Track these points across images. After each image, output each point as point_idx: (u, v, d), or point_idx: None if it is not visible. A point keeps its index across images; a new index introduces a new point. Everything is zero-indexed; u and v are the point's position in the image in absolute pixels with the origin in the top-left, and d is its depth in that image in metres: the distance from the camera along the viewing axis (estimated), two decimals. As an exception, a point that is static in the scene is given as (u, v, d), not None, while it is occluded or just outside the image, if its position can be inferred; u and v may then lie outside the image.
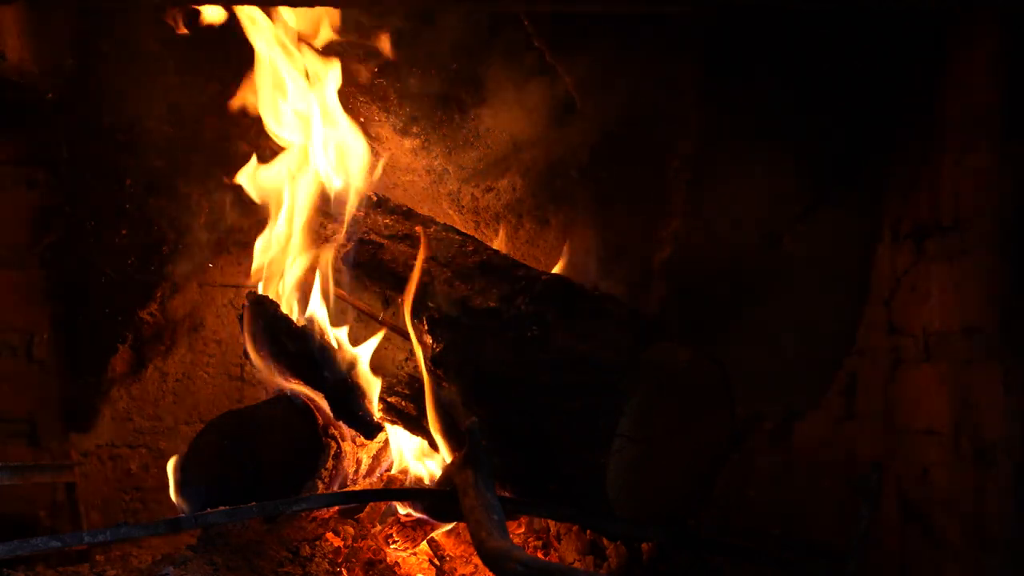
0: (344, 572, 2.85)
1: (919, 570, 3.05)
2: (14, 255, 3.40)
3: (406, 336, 3.14)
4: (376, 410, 3.02)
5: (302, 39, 3.25)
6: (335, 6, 3.20)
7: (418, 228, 3.18)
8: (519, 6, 3.22)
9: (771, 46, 3.22)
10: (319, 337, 2.97)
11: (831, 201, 3.32)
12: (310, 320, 3.04)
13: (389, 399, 3.05)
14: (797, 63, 3.22)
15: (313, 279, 3.19)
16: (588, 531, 2.95)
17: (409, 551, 2.94)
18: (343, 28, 3.28)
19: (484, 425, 2.64)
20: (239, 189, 3.25)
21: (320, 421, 3.04)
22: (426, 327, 2.98)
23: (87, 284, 3.41)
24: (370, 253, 3.18)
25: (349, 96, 3.34)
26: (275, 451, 3.00)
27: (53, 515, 3.39)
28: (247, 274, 3.27)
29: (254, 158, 3.26)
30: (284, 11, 3.18)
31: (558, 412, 2.72)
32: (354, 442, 3.09)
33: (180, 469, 2.96)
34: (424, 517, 2.89)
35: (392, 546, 2.93)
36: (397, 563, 2.93)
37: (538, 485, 2.83)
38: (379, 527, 2.96)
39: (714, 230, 3.35)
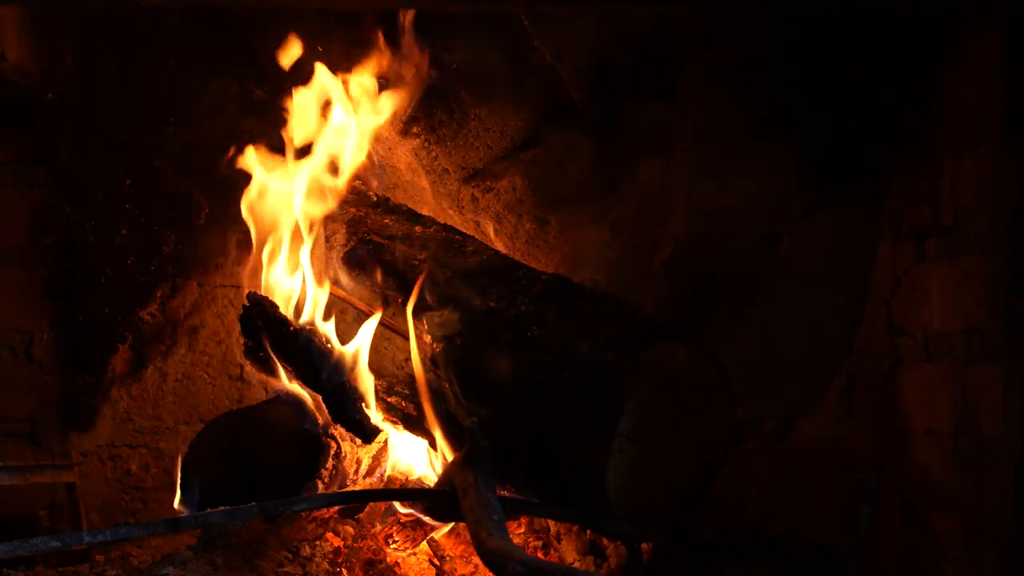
0: (344, 572, 2.85)
1: (919, 570, 3.05)
2: (14, 255, 3.39)
3: (406, 336, 3.14)
4: (375, 411, 3.02)
5: None
6: (341, 10, 3.20)
7: (418, 228, 3.18)
8: (519, 6, 3.22)
9: (771, 45, 3.22)
10: (317, 339, 2.97)
11: (831, 201, 3.32)
12: (309, 321, 3.04)
13: (389, 399, 3.04)
14: (797, 62, 3.22)
15: (314, 279, 3.19)
16: (588, 531, 2.95)
17: (409, 551, 2.94)
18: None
19: (484, 425, 2.64)
20: (239, 187, 3.25)
21: (320, 421, 3.04)
22: (426, 327, 2.98)
23: (87, 284, 3.41)
24: (370, 253, 3.18)
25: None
26: (275, 451, 3.00)
27: (53, 515, 3.39)
28: (247, 274, 3.26)
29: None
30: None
31: (558, 412, 2.72)
32: (354, 442, 3.09)
33: (180, 469, 2.97)
34: (424, 517, 2.89)
35: (392, 546, 2.92)
36: (397, 563, 2.93)
37: (538, 485, 2.82)
38: (379, 527, 2.95)
39: (714, 230, 3.35)
